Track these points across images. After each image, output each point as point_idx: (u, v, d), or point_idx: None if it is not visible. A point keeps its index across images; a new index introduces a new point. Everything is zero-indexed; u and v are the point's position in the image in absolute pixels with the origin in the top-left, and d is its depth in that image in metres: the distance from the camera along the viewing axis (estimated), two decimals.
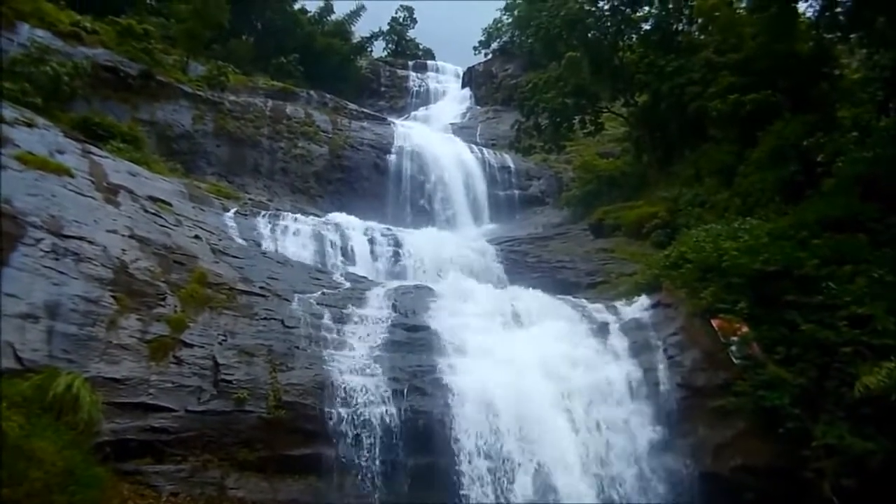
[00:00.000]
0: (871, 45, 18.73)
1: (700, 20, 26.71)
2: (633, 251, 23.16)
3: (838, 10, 18.13)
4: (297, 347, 14.09)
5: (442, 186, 34.11)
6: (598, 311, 16.27)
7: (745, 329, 13.05)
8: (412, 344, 14.58)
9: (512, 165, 37.11)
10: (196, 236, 17.95)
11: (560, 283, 21.24)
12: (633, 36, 29.76)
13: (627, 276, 19.72)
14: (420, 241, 23.59)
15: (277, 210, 25.48)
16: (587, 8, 28.81)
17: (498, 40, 59.50)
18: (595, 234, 26.68)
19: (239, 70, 39.09)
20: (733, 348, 12.92)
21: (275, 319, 15.02)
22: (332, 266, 21.56)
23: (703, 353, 13.48)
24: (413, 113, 54.14)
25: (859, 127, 18.09)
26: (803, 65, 21.17)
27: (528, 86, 33.08)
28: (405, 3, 68.55)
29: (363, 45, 60.32)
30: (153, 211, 17.80)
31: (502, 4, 57.42)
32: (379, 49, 68.04)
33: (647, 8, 28.52)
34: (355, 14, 58.10)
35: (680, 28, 28.50)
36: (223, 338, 14.15)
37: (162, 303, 14.42)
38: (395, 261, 22.82)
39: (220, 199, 25.54)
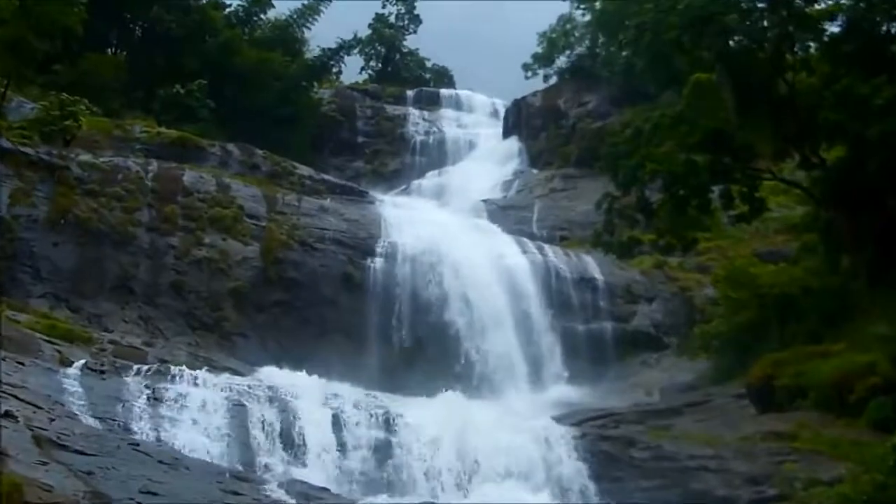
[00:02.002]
0: None
1: None
2: (832, 437, 23.02)
3: None
4: None
5: (468, 316, 34.40)
6: None
7: None
8: None
9: (599, 277, 37.40)
10: (6, 413, 18.18)
11: (697, 497, 21.19)
12: (811, 44, 30.66)
13: (827, 488, 19.64)
14: (429, 421, 23.75)
15: (163, 363, 25.48)
16: None
17: (567, 53, 61.64)
18: (759, 405, 26.48)
19: (99, 108, 40.63)
20: None
21: None
22: (263, 467, 21.55)
23: None
24: (416, 182, 55.29)
25: None
26: None
27: (626, 132, 33.72)
28: None
29: (325, 63, 62.66)
30: None
31: None
32: (353, 68, 70.92)
33: None
34: (310, 11, 60.86)
35: (894, 30, 29.24)
36: None
37: None
38: (381, 457, 22.93)
39: (55, 342, 25.45)
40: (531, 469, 22.85)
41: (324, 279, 34.77)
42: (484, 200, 48.51)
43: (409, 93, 66.24)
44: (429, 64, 74.24)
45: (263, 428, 22.77)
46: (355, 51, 69.16)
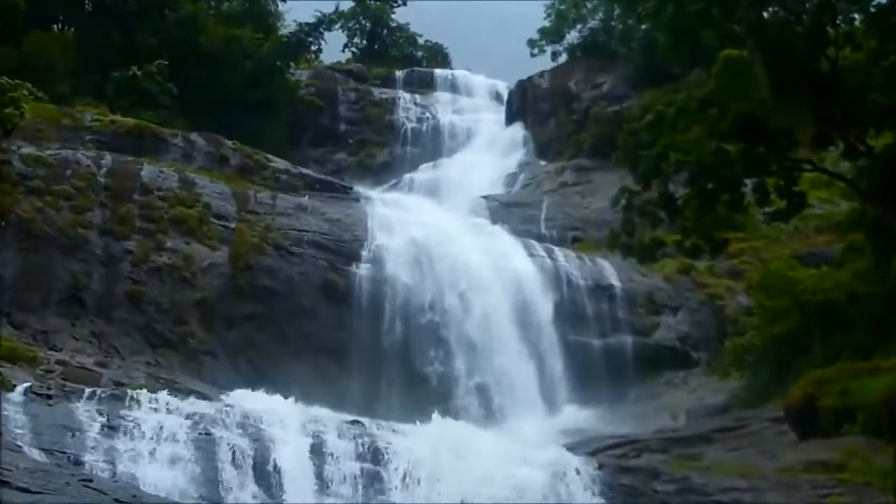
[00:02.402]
0: None
1: None
2: (884, 466, 22.93)
3: None
4: None
5: (467, 330, 34.47)
6: None
7: None
8: None
9: (617, 284, 37.50)
10: None
11: None
12: (855, 16, 30.61)
13: None
14: (423, 450, 23.71)
15: (119, 386, 25.38)
16: None
17: (578, 27, 61.78)
18: (799, 430, 26.42)
19: (44, 93, 40.43)
20: None
21: None
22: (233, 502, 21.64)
23: None
24: (407, 176, 55.27)
25: None
26: None
27: (646, 118, 33.70)
28: None
29: (302, 40, 62.61)
30: None
31: None
32: (335, 46, 70.80)
33: None
34: None
35: None
36: None
37: None
38: (368, 492, 22.88)
39: None
40: None
41: (302, 288, 34.78)
42: (485, 197, 48.55)
43: (399, 73, 66.32)
44: (421, 40, 74.23)
45: (234, 459, 22.68)
46: (337, 26, 69.19)
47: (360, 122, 60.66)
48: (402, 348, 34.16)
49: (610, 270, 37.72)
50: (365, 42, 71.93)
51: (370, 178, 53.56)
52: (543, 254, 38.23)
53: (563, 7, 61.43)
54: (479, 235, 39.19)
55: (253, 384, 29.36)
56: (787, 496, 22.90)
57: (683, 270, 38.46)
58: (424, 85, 65.19)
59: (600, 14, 60.03)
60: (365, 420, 25.35)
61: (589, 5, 60.48)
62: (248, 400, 26.61)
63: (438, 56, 73.85)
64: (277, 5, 61.53)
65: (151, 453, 22.34)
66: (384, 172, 56.04)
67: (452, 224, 39.81)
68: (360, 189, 43.13)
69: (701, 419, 30.61)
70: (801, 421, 26.46)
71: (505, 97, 62.64)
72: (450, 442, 24.48)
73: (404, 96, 62.81)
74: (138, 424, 22.91)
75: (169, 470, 22.03)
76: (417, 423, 26.31)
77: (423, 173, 54.79)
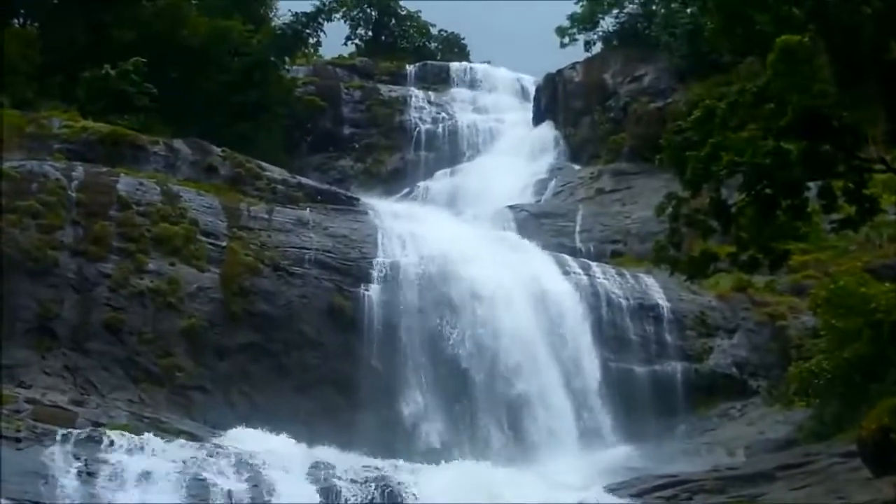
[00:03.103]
0: None
1: None
2: None
3: None
4: None
5: (494, 357, 34.65)
6: None
7: None
8: None
9: (664, 303, 37.78)
10: None
11: None
12: None
13: None
14: (445, 494, 24.12)
15: (97, 426, 25.74)
16: None
17: (614, 13, 61.61)
18: (874, 466, 26.35)
19: (6, 98, 40.68)
20: None
21: None
22: None
23: None
24: (422, 184, 55.62)
25: None
26: None
27: (694, 114, 33.85)
28: None
29: (298, 32, 62.74)
30: None
31: None
32: (336, 38, 70.81)
33: None
34: None
35: None
36: None
37: None
38: None
39: None
40: None
41: (305, 314, 34.98)
42: (511, 207, 48.73)
43: (410, 68, 66.73)
44: (434, 30, 74.60)
45: None
46: (338, 15, 69.45)
47: (366, 125, 61.04)
48: (420, 380, 34.31)
49: (655, 288, 38.00)
50: (370, 33, 72.29)
51: (379, 187, 53.88)
52: (579, 270, 38.47)
53: None
54: (505, 251, 39.46)
55: (249, 422, 29.69)
56: None
57: (739, 287, 38.64)
58: (439, 81, 65.55)
59: None
60: (378, 461, 25.54)
61: None
62: (245, 440, 26.92)
63: (455, 48, 74.17)
64: None
65: (136, 501, 22.56)
66: (395, 181, 56.45)
67: (474, 238, 40.13)
68: (367, 200, 43.44)
69: (761, 455, 30.71)
70: (875, 456, 26.43)
71: (532, 93, 62.95)
72: (475, 484, 24.64)
73: (416, 94, 63.18)
74: (120, 469, 23.32)
75: None
76: (439, 463, 26.51)
77: (440, 181, 55.27)
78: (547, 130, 58.80)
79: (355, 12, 71.74)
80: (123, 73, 47.58)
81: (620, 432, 34.05)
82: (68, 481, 22.55)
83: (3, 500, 21.19)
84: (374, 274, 36.29)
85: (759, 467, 29.03)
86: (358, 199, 42.62)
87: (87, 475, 22.81)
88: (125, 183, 36.95)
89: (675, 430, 34.19)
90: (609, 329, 36.52)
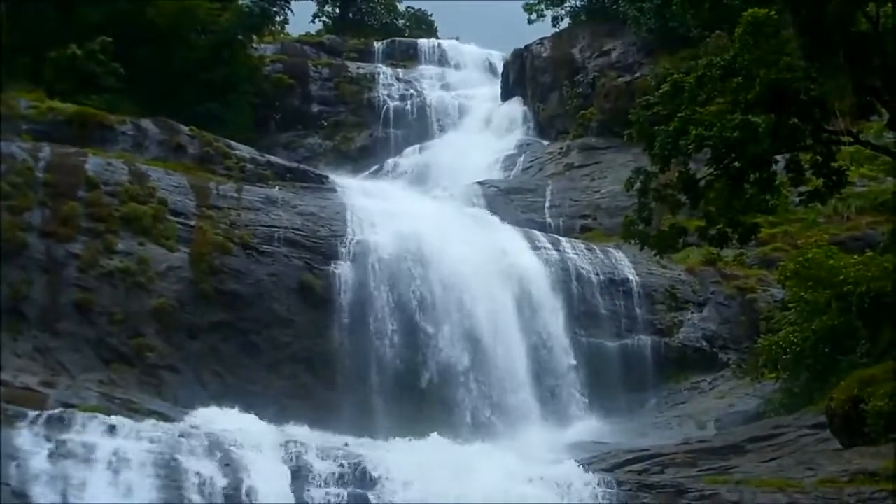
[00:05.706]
0: None
1: None
2: None
3: None
4: None
5: (464, 333, 34.67)
6: None
7: None
8: None
9: (633, 277, 37.82)
10: None
11: None
12: None
13: None
14: (417, 470, 23.78)
15: (67, 408, 25.43)
16: None
17: None
18: (844, 437, 26.51)
19: None
20: None
21: None
22: None
23: None
24: (391, 161, 55.63)
25: None
26: None
27: (662, 88, 33.79)
28: None
29: (265, 10, 62.32)
30: None
31: None
32: (304, 15, 70.70)
33: None
34: None
35: None
36: None
37: None
38: None
39: None
40: None
41: (275, 292, 34.89)
42: (480, 183, 48.66)
43: (378, 45, 66.63)
44: (401, 7, 74.48)
45: (201, 489, 22.75)
46: None
47: (334, 102, 60.85)
48: (392, 357, 34.35)
49: (625, 263, 38.02)
50: (338, 11, 72.19)
51: (348, 164, 53.79)
52: (549, 246, 38.45)
53: None
54: (474, 227, 39.42)
55: (221, 401, 29.57)
56: None
57: (708, 261, 38.77)
58: (407, 57, 65.44)
59: None
60: (350, 439, 25.46)
61: None
62: (217, 420, 26.74)
63: (423, 24, 74.12)
64: None
65: (107, 482, 22.40)
66: (364, 158, 56.35)
67: (444, 215, 40.02)
68: (336, 178, 43.22)
69: (732, 428, 30.77)
70: (845, 427, 26.58)
71: (500, 69, 62.86)
72: (446, 460, 24.58)
73: (384, 71, 63.05)
74: (91, 451, 22.98)
75: (126, 500, 22.13)
76: (411, 439, 26.47)
77: (409, 158, 55.16)
78: (515, 106, 58.85)
79: None
80: (90, 52, 47.29)
81: (591, 407, 34.14)
82: (38, 463, 22.31)
83: None
84: (344, 251, 36.18)
85: (729, 440, 29.05)
86: (327, 177, 42.39)
87: (58, 456, 22.62)
88: (93, 163, 36.63)
89: (645, 403, 34.31)
90: (579, 304, 36.56)
